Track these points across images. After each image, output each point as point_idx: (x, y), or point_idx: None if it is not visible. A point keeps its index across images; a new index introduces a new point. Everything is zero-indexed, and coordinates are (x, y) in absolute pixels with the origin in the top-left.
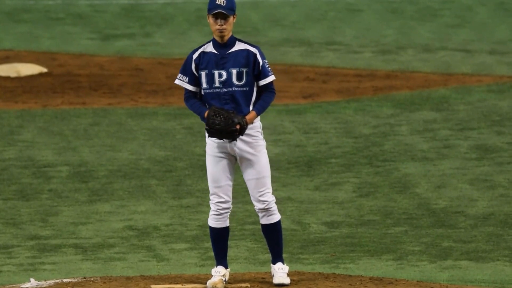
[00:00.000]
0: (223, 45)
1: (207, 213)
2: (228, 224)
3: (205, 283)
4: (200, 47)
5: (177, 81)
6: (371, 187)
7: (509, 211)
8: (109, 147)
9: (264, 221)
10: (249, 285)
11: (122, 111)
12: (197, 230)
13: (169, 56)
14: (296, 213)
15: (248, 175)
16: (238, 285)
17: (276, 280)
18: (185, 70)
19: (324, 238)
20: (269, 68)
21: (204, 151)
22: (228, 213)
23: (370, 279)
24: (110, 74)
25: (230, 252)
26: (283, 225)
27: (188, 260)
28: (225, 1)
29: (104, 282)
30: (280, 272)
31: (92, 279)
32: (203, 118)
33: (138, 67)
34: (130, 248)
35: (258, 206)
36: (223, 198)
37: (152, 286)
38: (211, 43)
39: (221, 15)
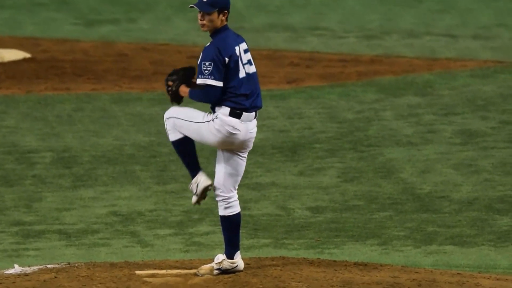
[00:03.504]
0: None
1: (191, 198)
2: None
3: (190, 269)
4: None
5: None
6: (356, 172)
7: (494, 196)
8: (93, 133)
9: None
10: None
11: (106, 96)
12: (181, 215)
13: (153, 41)
14: (280, 198)
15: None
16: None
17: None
18: None
19: (308, 223)
20: (204, 71)
21: None
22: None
23: (354, 264)
24: (94, 59)
25: (215, 238)
26: (267, 211)
27: (173, 245)
28: None
29: (88, 268)
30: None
31: (76, 265)
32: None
33: (122, 52)
34: (114, 234)
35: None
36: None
37: (136, 272)
38: None
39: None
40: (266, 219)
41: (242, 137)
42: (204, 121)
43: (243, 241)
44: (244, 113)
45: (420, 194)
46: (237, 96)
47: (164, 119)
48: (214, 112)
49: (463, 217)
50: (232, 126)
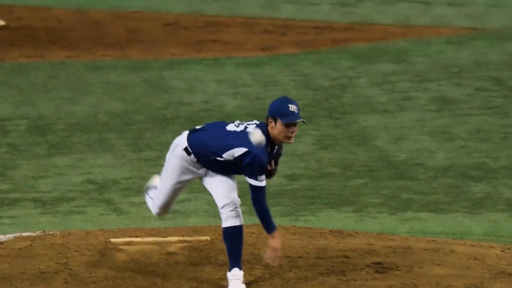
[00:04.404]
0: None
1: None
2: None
3: (165, 237)
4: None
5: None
6: (331, 140)
7: (468, 163)
8: (68, 101)
9: (226, 223)
10: (209, 238)
11: (80, 64)
12: None
13: (127, 9)
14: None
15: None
16: (198, 238)
17: None
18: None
19: (284, 190)
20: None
21: (164, 105)
22: None
23: (330, 231)
24: (68, 27)
25: (190, 206)
26: (242, 178)
27: (148, 213)
28: (297, 107)
29: (64, 236)
30: (234, 279)
31: (51, 233)
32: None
33: (96, 20)
34: (90, 202)
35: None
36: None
37: (112, 239)
38: (267, 141)
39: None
40: (242, 187)
41: None
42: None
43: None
44: None
45: (395, 161)
46: None
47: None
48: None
49: (438, 184)
50: None
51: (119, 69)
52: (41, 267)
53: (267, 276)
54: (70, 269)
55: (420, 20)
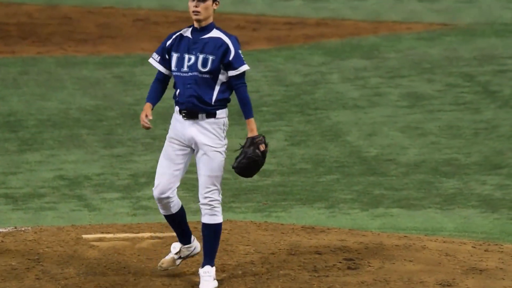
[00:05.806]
0: (199, 30)
1: (139, 162)
2: (173, 211)
3: (137, 233)
4: (180, 30)
5: (150, 60)
6: (303, 136)
7: (440, 159)
8: (39, 96)
9: (205, 219)
10: None
11: (51, 60)
12: (128, 179)
13: (98, 4)
14: (227, 162)
15: (201, 170)
16: (170, 234)
17: (201, 286)
18: (160, 50)
19: (256, 186)
20: (242, 58)
21: (135, 101)
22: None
23: (302, 227)
24: (39, 22)
25: None
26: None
27: (120, 209)
28: None
29: (35, 232)
30: (206, 276)
31: (23, 229)
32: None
33: (67, 15)
34: (61, 198)
35: (202, 201)
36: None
37: (83, 236)
38: (191, 28)
39: None
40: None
41: None
42: (224, 149)
43: (191, 205)
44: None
45: (367, 157)
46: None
47: (213, 200)
48: (214, 113)
49: (409, 180)
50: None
51: (91, 65)
52: (12, 263)
53: (239, 272)
54: (41, 265)
55: (391, 15)
